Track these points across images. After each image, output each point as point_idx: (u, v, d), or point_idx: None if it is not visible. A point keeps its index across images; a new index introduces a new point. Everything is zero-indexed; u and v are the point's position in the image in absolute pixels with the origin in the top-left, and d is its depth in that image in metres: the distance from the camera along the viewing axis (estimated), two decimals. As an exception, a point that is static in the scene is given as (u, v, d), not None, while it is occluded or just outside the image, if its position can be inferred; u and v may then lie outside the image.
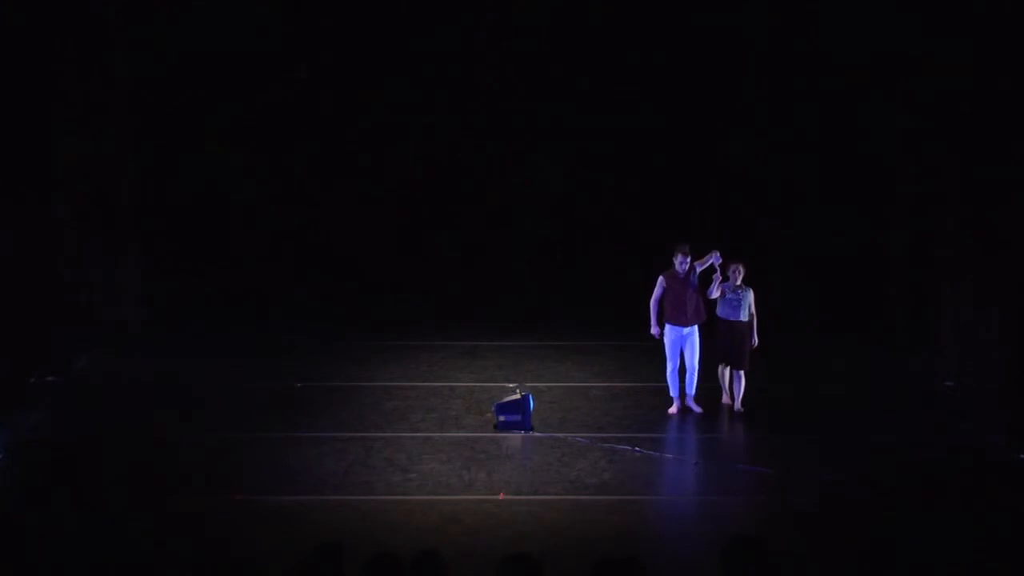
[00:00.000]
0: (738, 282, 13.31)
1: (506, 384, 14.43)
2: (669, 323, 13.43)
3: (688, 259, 13.29)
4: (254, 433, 12.84)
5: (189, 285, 18.00)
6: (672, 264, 13.39)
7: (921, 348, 15.67)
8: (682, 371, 13.51)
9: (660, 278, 13.46)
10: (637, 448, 12.41)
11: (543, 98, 18.52)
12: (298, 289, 18.42)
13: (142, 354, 15.93)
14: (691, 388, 13.54)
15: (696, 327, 13.43)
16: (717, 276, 13.25)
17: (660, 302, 13.47)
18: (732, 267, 13.32)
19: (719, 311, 13.38)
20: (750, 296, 13.36)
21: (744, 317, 13.32)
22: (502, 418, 13.04)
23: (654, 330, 13.51)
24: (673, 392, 13.53)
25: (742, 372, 13.42)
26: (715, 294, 13.28)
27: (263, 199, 18.57)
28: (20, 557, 9.42)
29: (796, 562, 9.41)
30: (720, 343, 13.39)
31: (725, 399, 13.54)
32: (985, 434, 12.87)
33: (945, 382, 14.69)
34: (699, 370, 13.48)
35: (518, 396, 13.20)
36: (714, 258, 13.22)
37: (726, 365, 13.49)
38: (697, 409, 13.46)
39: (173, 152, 17.94)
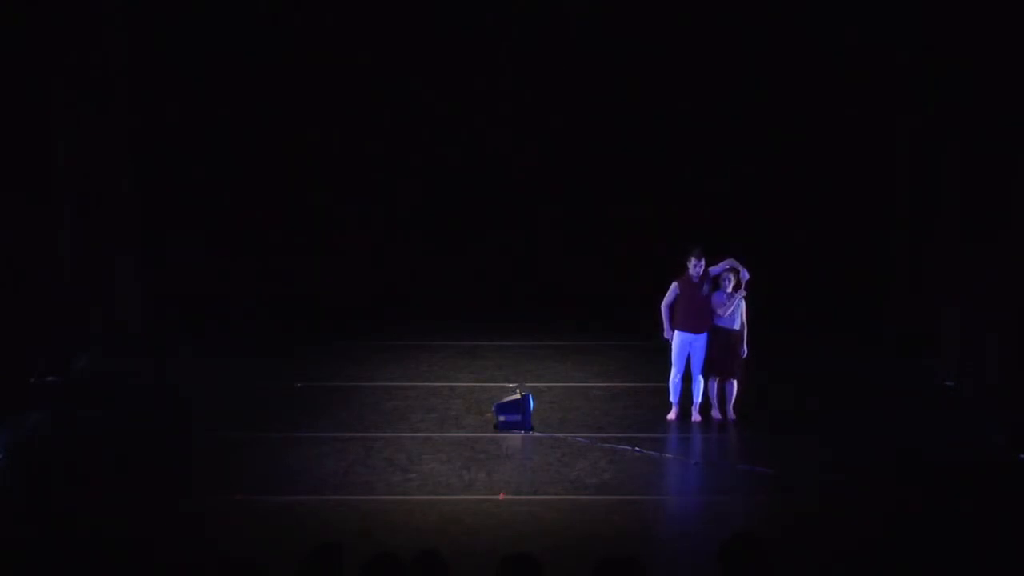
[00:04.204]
0: (729, 290, 13.16)
1: (506, 384, 14.42)
2: (679, 329, 13.22)
3: (702, 262, 13.11)
4: (254, 433, 12.84)
5: (190, 285, 18.01)
6: (685, 268, 13.18)
7: (921, 348, 15.66)
8: (688, 378, 13.38)
9: (674, 284, 13.24)
10: (637, 448, 12.41)
11: (546, 99, 18.54)
12: (299, 289, 18.45)
13: (142, 354, 15.93)
14: (698, 397, 13.36)
15: (706, 334, 13.25)
16: (739, 293, 13.09)
17: (671, 307, 13.35)
18: (724, 274, 13.18)
19: (715, 319, 13.23)
20: (742, 304, 13.26)
21: (736, 325, 13.19)
22: (502, 418, 13.04)
23: (667, 334, 13.39)
24: (673, 398, 13.44)
25: (734, 380, 13.33)
26: (727, 311, 13.12)
27: (264, 198, 18.58)
28: (20, 557, 9.42)
29: (796, 562, 9.41)
30: (713, 352, 13.20)
31: (715, 413, 13.32)
32: (985, 434, 12.87)
33: (945, 382, 14.69)
34: (703, 378, 13.37)
35: (518, 396, 13.20)
36: (728, 264, 13.14)
37: (717, 376, 13.29)
38: (698, 418, 13.37)
39: (173, 151, 17.96)
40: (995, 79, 13.88)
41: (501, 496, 11.14)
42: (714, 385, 13.36)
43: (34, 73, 14.32)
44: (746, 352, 13.29)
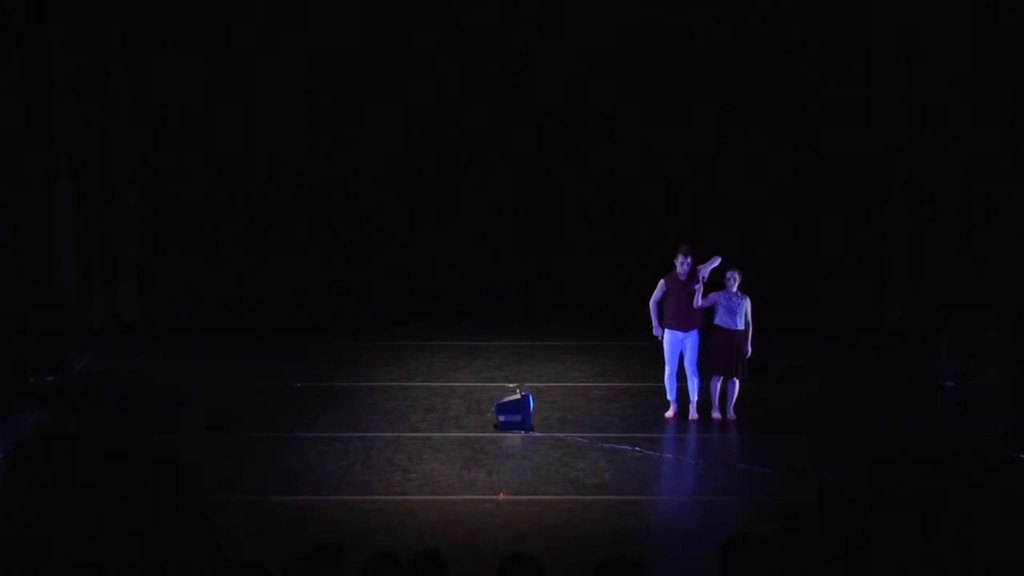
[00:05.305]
0: (734, 289, 13.14)
1: (506, 384, 14.42)
2: (668, 328, 13.27)
3: (689, 259, 13.14)
4: (254, 433, 12.83)
5: (189, 285, 18.02)
6: (673, 266, 13.25)
7: (921, 348, 15.66)
8: (682, 375, 13.41)
9: (661, 281, 13.32)
10: (637, 448, 12.41)
11: (547, 98, 18.53)
12: (298, 288, 18.45)
13: (142, 354, 15.93)
14: (694, 395, 13.37)
15: (696, 332, 13.30)
16: (697, 287, 13.12)
17: (660, 304, 13.38)
18: (728, 274, 13.12)
19: (716, 319, 13.19)
20: (747, 304, 13.19)
21: (740, 325, 13.14)
22: (502, 418, 13.03)
23: (656, 331, 13.42)
24: (670, 396, 13.45)
25: (736, 380, 13.33)
26: (699, 303, 13.14)
27: (264, 199, 18.58)
28: (20, 557, 9.42)
29: (796, 562, 9.41)
30: (715, 351, 13.21)
31: (715, 414, 13.30)
32: (985, 434, 12.87)
33: (945, 382, 14.68)
34: (698, 376, 13.39)
35: (518, 396, 13.19)
36: (715, 262, 13.15)
37: (719, 376, 13.28)
38: (695, 416, 13.36)
39: (174, 151, 17.97)
40: (995, 78, 13.89)
41: (501, 496, 11.14)
42: (716, 385, 13.31)
43: (35, 72, 14.31)
44: (750, 352, 13.27)
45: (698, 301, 13.08)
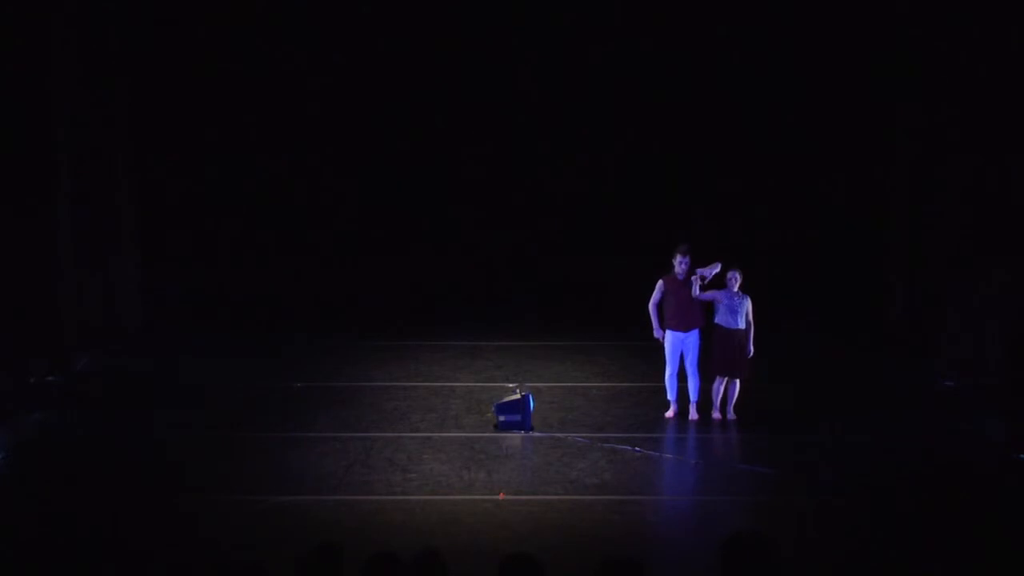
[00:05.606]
0: (735, 289, 13.12)
1: (506, 384, 14.42)
2: (669, 328, 13.25)
3: (687, 259, 13.11)
4: (254, 433, 12.84)
5: (189, 285, 18.05)
6: (672, 266, 13.24)
7: (921, 348, 15.66)
8: (683, 375, 13.41)
9: (659, 282, 13.31)
10: (637, 448, 12.41)
11: (547, 98, 18.56)
12: (298, 289, 18.47)
13: (142, 354, 15.94)
14: (694, 395, 13.37)
15: (696, 332, 13.30)
16: (695, 278, 13.10)
17: (659, 305, 13.37)
18: (729, 273, 13.08)
19: (717, 318, 13.17)
20: (748, 303, 13.18)
21: (742, 325, 13.11)
22: (502, 418, 13.03)
23: (657, 333, 13.39)
24: (671, 396, 13.45)
25: (737, 380, 13.32)
26: (696, 293, 13.09)
27: (263, 199, 18.61)
28: (20, 557, 9.42)
29: (796, 562, 9.41)
30: (717, 351, 13.16)
31: (716, 414, 13.29)
32: (985, 434, 12.88)
33: (945, 382, 14.69)
34: (699, 376, 13.38)
35: (518, 396, 13.19)
36: (715, 267, 13.13)
37: (723, 377, 13.25)
38: (695, 416, 13.36)
39: (173, 152, 18.00)
40: (996, 78, 13.90)
41: (501, 496, 11.14)
42: (719, 387, 13.28)
43: (34, 72, 14.31)
44: (752, 351, 13.25)
45: (695, 291, 13.04)
